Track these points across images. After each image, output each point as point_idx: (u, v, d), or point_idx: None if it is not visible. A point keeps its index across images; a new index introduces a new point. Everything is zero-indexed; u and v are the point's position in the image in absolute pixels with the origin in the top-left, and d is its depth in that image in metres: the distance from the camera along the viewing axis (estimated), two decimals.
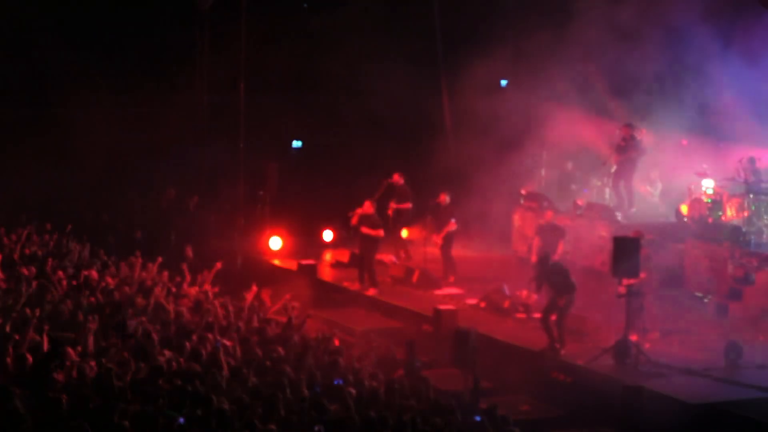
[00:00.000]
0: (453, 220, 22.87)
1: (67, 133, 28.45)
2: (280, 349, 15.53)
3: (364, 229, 21.93)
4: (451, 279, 22.83)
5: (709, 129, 24.21)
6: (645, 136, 24.40)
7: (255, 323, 17.45)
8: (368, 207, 21.97)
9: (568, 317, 17.81)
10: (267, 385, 13.54)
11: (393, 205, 23.90)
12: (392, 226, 23.81)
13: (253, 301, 19.11)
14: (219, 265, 20.46)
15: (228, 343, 15.58)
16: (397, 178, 23.88)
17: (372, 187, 23.32)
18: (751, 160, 22.29)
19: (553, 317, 17.74)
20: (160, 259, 20.75)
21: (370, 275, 22.20)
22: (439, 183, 24.85)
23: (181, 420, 12.00)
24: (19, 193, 26.63)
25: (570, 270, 18.23)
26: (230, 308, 17.85)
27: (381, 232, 22.02)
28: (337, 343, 17.19)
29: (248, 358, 15.04)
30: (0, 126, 28.21)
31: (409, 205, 24.02)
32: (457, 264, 23.14)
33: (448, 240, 22.98)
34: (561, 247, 20.60)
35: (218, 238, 25.39)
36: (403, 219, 24.26)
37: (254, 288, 19.43)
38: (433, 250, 23.27)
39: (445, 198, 23.06)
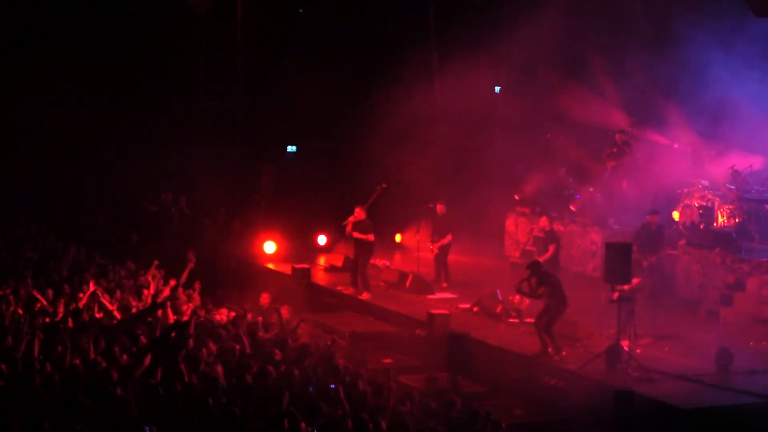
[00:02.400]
0: (450, 235, 22.98)
1: (63, 135, 28.58)
2: (277, 353, 15.68)
3: (356, 234, 22.10)
4: (444, 285, 22.96)
5: (704, 134, 24.32)
6: (638, 141, 24.54)
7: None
8: (359, 213, 22.12)
9: (555, 324, 17.90)
10: (263, 388, 13.68)
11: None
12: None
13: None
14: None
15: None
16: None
17: (366, 192, 23.41)
18: (739, 171, 22.46)
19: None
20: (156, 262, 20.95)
21: (364, 279, 22.30)
22: (433, 188, 25.00)
23: (147, 429, 12.15)
24: (15, 195, 26.76)
25: (561, 281, 18.31)
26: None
27: (371, 237, 22.12)
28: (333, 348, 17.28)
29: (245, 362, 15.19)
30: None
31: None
32: (450, 269, 23.26)
33: (444, 249, 23.13)
34: (551, 251, 20.71)
35: (213, 241, 25.53)
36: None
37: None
38: (427, 255, 23.40)
39: (441, 208, 23.13)
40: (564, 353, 17.65)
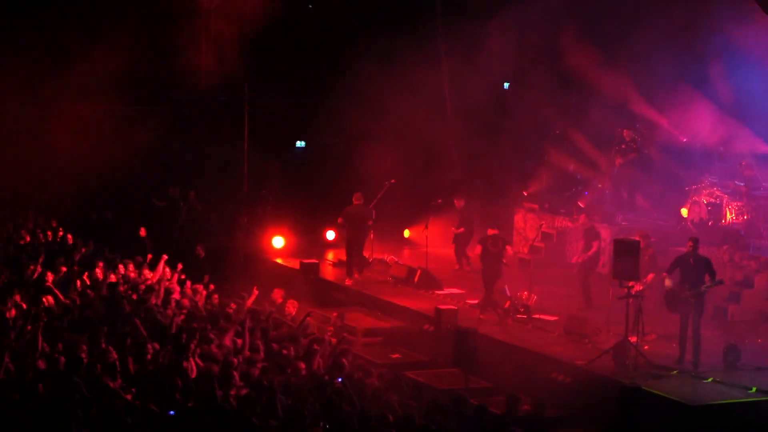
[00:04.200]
0: (463, 227, 23.89)
1: (70, 130, 28.59)
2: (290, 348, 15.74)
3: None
4: (467, 268, 23.58)
5: (715, 127, 24.25)
6: (645, 138, 24.52)
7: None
8: (353, 199, 22.60)
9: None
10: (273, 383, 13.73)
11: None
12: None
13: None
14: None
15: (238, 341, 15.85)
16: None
17: (374, 187, 23.48)
18: (749, 165, 22.43)
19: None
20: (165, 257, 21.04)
21: (348, 265, 22.83)
22: (442, 183, 25.09)
23: (172, 413, 12.26)
24: (24, 190, 26.85)
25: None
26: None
27: (339, 220, 22.83)
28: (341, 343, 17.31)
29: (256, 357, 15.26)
30: (6, 123, 28.40)
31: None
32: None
33: (459, 240, 24.01)
34: (595, 247, 20.81)
35: (221, 236, 25.58)
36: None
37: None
38: (434, 251, 23.51)
39: (459, 202, 23.95)
40: (482, 317, 19.56)
